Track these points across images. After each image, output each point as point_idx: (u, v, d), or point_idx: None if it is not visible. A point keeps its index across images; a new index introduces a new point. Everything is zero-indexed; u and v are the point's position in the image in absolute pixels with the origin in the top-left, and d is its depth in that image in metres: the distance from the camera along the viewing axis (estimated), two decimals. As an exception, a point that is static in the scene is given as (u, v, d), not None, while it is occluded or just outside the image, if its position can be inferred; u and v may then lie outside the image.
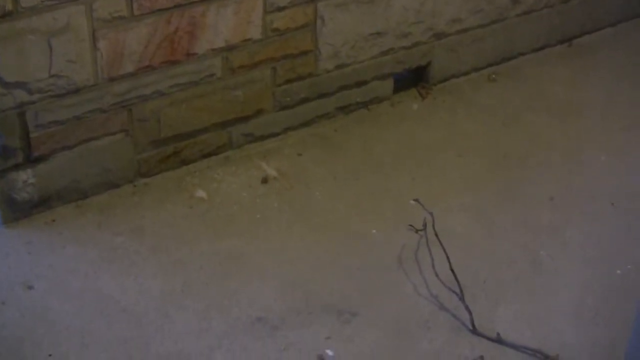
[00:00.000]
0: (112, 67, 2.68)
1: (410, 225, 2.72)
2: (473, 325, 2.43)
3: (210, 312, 2.47)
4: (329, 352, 2.37)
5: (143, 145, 2.88)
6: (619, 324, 2.43)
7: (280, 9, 2.92)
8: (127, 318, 2.44)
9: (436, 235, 2.61)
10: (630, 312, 2.27)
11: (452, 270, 2.53)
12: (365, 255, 2.69)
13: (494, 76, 3.55)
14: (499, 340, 2.40)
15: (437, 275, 2.56)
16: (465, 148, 3.15)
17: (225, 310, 2.48)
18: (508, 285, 2.59)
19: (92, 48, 2.61)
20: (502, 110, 3.36)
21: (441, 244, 2.58)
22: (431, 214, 2.65)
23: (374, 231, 2.78)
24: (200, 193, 2.90)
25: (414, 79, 3.44)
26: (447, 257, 2.55)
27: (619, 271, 2.65)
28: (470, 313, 2.44)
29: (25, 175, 2.69)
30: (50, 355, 2.33)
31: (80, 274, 2.58)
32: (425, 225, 2.66)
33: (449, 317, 2.48)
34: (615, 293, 2.57)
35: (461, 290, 2.50)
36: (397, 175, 3.01)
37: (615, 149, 3.17)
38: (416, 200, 2.75)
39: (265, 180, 2.96)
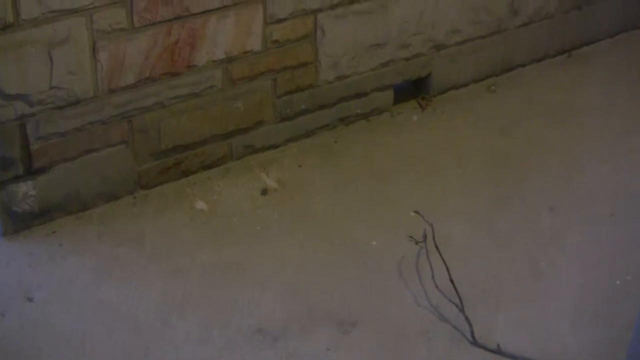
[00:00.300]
0: (112, 78, 2.68)
1: (410, 237, 2.70)
2: (473, 337, 2.42)
3: (210, 323, 2.47)
4: (329, 363, 2.40)
5: (143, 156, 2.87)
6: (620, 330, 2.43)
7: (280, 20, 2.92)
8: (127, 328, 2.45)
9: (436, 247, 2.60)
10: (630, 318, 2.36)
11: (452, 282, 2.52)
12: (365, 265, 2.68)
13: (493, 87, 3.54)
14: (499, 352, 2.39)
15: (437, 286, 2.55)
16: (464, 158, 3.15)
17: (225, 321, 2.48)
18: (508, 294, 2.59)
19: (92, 59, 2.61)
20: (502, 121, 3.35)
21: (441, 256, 2.57)
22: (431, 225, 2.64)
23: (374, 242, 2.77)
24: (201, 204, 2.90)
25: (414, 90, 3.44)
26: (447, 269, 2.54)
27: (618, 281, 2.65)
28: (470, 324, 2.44)
29: (25, 187, 2.69)
30: (50, 366, 2.34)
31: (80, 285, 2.58)
32: (425, 236, 2.65)
33: (449, 328, 2.48)
34: (615, 299, 2.57)
35: (461, 301, 2.49)
36: (397, 185, 3.01)
37: (613, 158, 3.16)
38: (416, 212, 2.73)
39: (265, 192, 2.96)
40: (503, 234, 2.81)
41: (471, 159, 3.14)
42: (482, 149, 3.20)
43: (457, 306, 2.49)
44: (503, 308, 2.54)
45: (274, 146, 3.14)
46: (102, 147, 2.78)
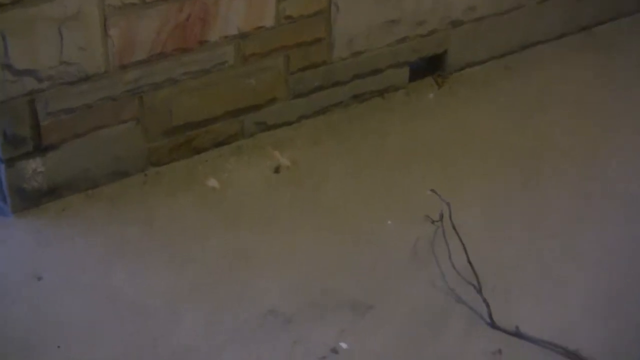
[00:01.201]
0: (123, 54, 2.67)
1: (427, 216, 2.69)
2: (491, 319, 2.41)
3: (221, 306, 2.45)
4: (343, 345, 2.35)
5: (154, 133, 2.86)
6: (637, 323, 2.44)
7: (294, -5, 2.94)
8: (135, 313, 2.43)
9: (453, 226, 2.59)
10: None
11: (470, 263, 2.51)
12: (380, 246, 2.67)
13: (510, 65, 3.51)
14: (517, 334, 2.38)
15: (454, 267, 2.54)
16: (480, 140, 3.13)
17: (236, 304, 2.46)
18: (524, 279, 2.58)
19: (103, 35, 2.60)
20: (518, 100, 3.33)
21: (458, 235, 2.56)
22: (448, 204, 2.63)
23: (389, 222, 2.75)
24: (212, 182, 2.89)
25: (430, 68, 3.41)
26: (465, 249, 2.53)
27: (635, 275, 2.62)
28: (488, 306, 2.43)
29: (34, 164, 2.68)
30: (58, 347, 2.33)
31: (88, 267, 2.57)
32: (442, 215, 2.63)
33: (466, 310, 2.47)
34: (633, 293, 2.55)
35: (479, 283, 2.48)
36: (411, 166, 2.99)
37: (627, 155, 3.12)
38: (433, 190, 2.72)
39: (277, 170, 2.95)
40: (518, 217, 2.79)
41: (486, 140, 3.12)
42: (497, 129, 3.17)
43: (474, 287, 2.48)
44: (520, 291, 2.53)
45: (287, 123, 3.12)
46: (112, 123, 2.76)
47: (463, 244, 2.54)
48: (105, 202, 2.79)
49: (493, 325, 2.41)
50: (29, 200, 2.73)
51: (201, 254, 2.62)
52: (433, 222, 2.68)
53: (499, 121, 3.24)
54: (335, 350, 2.33)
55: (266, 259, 2.61)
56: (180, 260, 2.59)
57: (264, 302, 2.46)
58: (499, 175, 2.98)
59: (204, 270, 2.57)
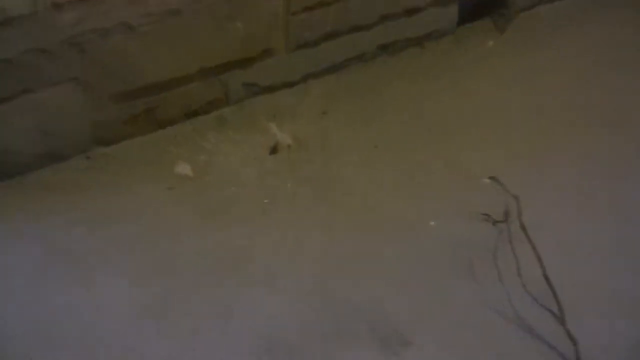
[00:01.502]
0: None
1: (485, 215, 2.53)
2: (578, 359, 2.21)
3: (199, 333, 2.29)
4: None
5: (102, 99, 2.72)
6: None
7: None
8: (81, 342, 2.26)
9: (523, 228, 2.41)
10: None
11: (547, 278, 2.31)
12: (417, 255, 2.50)
13: (593, 2, 3.44)
14: None
15: (524, 285, 2.34)
16: (553, 106, 2.99)
17: (219, 331, 2.30)
18: (618, 300, 2.37)
19: (28, -38, 2.43)
20: (593, 56, 3.21)
21: (531, 241, 2.37)
22: (516, 197, 2.49)
23: (432, 223, 2.56)
24: (184, 168, 2.75)
25: (488, 6, 3.34)
26: (540, 260, 2.33)
27: None
28: (573, 341, 2.22)
29: None
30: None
31: (15, 282, 2.40)
32: (507, 214, 2.49)
33: (542, 347, 2.25)
34: None
35: (560, 308, 2.28)
36: (456, 144, 2.87)
37: None
38: (492, 178, 2.59)
39: (274, 150, 2.83)
40: (602, 213, 2.63)
41: (560, 111, 2.98)
42: (564, 92, 3.06)
43: (554, 315, 2.29)
44: (615, 317, 2.33)
45: (287, 85, 3.00)
46: (42, 86, 2.61)
47: (537, 254, 2.35)
48: (33, 194, 2.65)
49: (580, 368, 2.21)
50: None
51: (170, 261, 2.47)
52: (494, 222, 2.51)
53: (578, 81, 3.13)
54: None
55: (260, 267, 2.47)
56: (141, 269, 2.45)
57: (256, 328, 2.29)
58: (572, 148, 2.85)
59: (175, 282, 2.42)
